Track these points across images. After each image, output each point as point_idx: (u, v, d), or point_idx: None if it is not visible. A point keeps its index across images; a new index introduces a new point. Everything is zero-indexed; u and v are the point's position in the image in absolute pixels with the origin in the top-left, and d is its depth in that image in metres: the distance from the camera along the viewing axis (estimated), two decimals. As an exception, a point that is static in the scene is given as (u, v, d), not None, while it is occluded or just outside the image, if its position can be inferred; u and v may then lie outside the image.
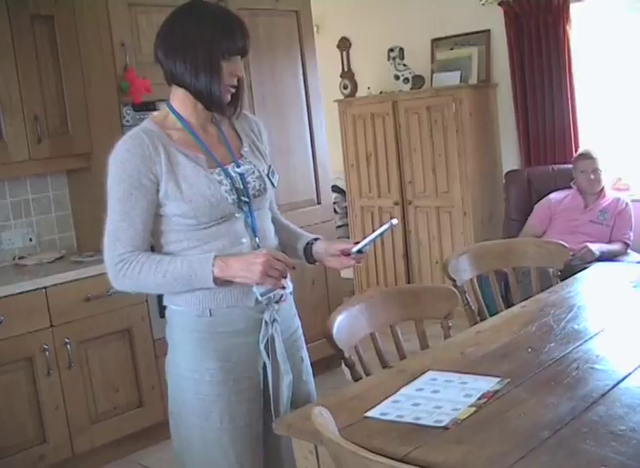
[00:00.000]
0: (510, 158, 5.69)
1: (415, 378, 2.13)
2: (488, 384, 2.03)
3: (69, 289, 3.62)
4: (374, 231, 2.20)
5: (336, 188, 6.34)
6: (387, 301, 2.63)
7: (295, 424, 1.95)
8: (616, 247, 4.63)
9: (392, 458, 1.54)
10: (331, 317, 2.40)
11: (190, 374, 2.15)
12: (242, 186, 2.16)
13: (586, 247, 4.43)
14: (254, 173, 2.21)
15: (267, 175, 2.25)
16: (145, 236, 2.10)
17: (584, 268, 3.39)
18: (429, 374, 2.15)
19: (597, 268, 3.38)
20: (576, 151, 5.14)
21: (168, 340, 2.23)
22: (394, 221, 2.18)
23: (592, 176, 4.76)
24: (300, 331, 2.36)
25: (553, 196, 4.96)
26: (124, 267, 2.06)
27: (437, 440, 1.75)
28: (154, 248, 2.17)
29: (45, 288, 3.54)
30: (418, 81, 5.76)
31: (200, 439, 2.16)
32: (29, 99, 3.79)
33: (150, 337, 3.90)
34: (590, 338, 2.35)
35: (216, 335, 2.13)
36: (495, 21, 5.50)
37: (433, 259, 5.79)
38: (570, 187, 4.93)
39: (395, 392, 2.04)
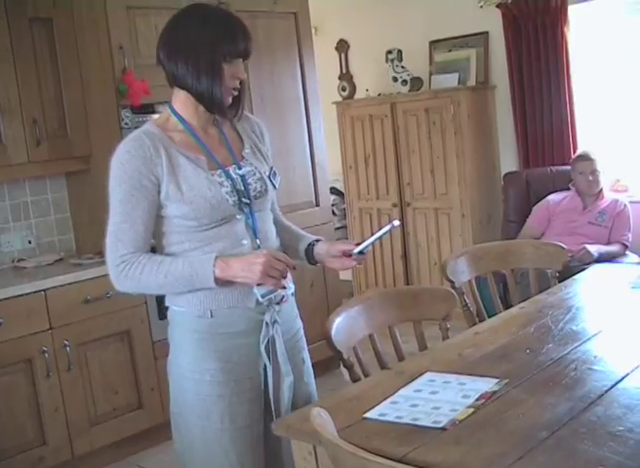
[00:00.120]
0: (509, 160, 5.70)
1: (413, 379, 2.14)
2: (486, 385, 2.03)
3: (68, 291, 3.62)
4: (373, 234, 2.20)
5: (334, 190, 6.34)
6: (386, 303, 2.64)
7: (294, 425, 1.95)
8: (614, 248, 4.64)
9: (391, 459, 1.54)
10: (329, 318, 2.41)
11: (191, 375, 2.16)
12: (243, 188, 2.17)
13: (585, 248, 4.44)
14: (255, 174, 2.22)
15: (269, 177, 2.26)
16: (147, 237, 2.11)
17: (583, 269, 3.39)
18: (428, 376, 2.16)
19: (595, 269, 3.38)
20: (574, 153, 5.15)
21: (169, 341, 2.24)
22: (396, 223, 2.18)
23: (591, 178, 4.77)
24: (302, 332, 2.37)
25: (552, 197, 4.97)
26: (125, 268, 2.06)
27: (435, 441, 1.75)
28: (156, 249, 2.18)
29: (44, 290, 3.54)
30: (416, 83, 5.77)
31: (201, 439, 2.17)
32: (28, 102, 3.79)
33: (149, 339, 3.90)
34: (588, 339, 2.36)
35: (216, 336, 2.14)
36: (493, 23, 5.50)
37: (432, 261, 5.80)
38: (568, 189, 4.94)
39: (394, 393, 2.05)
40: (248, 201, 2.17)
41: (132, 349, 3.86)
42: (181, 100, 2.17)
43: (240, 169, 2.19)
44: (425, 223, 5.78)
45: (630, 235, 4.73)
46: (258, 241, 2.18)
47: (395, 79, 5.82)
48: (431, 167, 5.64)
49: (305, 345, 2.37)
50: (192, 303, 2.13)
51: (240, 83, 2.17)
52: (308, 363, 2.37)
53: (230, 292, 2.12)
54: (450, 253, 5.29)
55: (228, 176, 2.16)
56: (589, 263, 4.01)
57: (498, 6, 5.40)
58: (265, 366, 2.19)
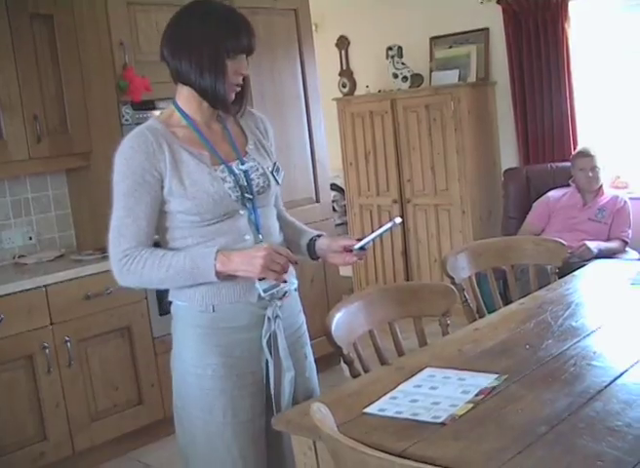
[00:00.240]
0: (509, 156, 5.70)
1: (413, 375, 2.14)
2: (485, 381, 2.04)
3: (69, 287, 3.63)
4: (374, 230, 2.21)
5: (334, 186, 6.34)
6: (386, 299, 2.64)
7: (293, 420, 1.96)
8: (614, 244, 4.64)
9: (390, 454, 1.54)
10: (329, 314, 2.41)
11: (194, 369, 2.17)
12: (246, 183, 2.18)
13: (584, 245, 4.44)
14: (258, 170, 2.23)
15: (272, 173, 2.27)
16: (149, 232, 2.12)
17: (583, 266, 3.40)
18: (427, 371, 2.16)
19: (595, 266, 3.38)
20: (574, 149, 5.15)
21: (172, 335, 2.26)
22: (397, 220, 2.19)
23: (591, 174, 4.77)
24: (305, 327, 2.38)
25: (552, 194, 4.97)
26: (128, 262, 2.08)
27: (435, 436, 1.76)
28: (160, 244, 2.19)
29: (45, 286, 3.55)
30: (416, 79, 5.77)
31: (203, 432, 2.18)
32: (29, 99, 3.79)
33: (150, 335, 3.91)
34: (588, 335, 2.37)
35: (219, 331, 2.15)
36: (493, 20, 5.51)
37: (432, 257, 5.80)
38: (568, 185, 4.94)
39: (393, 388, 2.06)
40: (251, 196, 2.18)
41: (132, 345, 3.86)
42: (185, 96, 2.18)
43: (243, 164, 2.20)
44: (426, 220, 5.78)
45: (630, 231, 4.73)
46: (260, 236, 2.18)
47: (395, 75, 5.82)
48: (432, 163, 5.64)
49: (308, 341, 2.38)
50: (195, 298, 2.14)
51: (243, 79, 2.18)
52: (311, 358, 2.38)
53: (232, 286, 2.13)
54: (450, 249, 5.29)
55: (231, 172, 2.16)
56: (589, 260, 4.01)
57: (498, 2, 5.40)
58: (267, 360, 2.20)
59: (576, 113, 5.27)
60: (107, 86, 3.87)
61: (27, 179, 4.14)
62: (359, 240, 2.22)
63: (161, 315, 3.88)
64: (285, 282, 2.15)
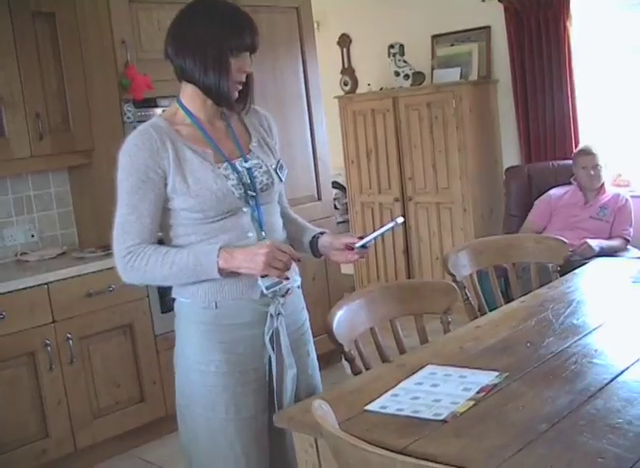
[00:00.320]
0: (510, 154, 5.70)
1: (414, 372, 2.15)
2: (487, 378, 2.05)
3: (71, 284, 3.63)
4: (377, 229, 2.21)
5: (336, 184, 6.35)
6: (387, 296, 2.64)
7: (295, 417, 1.97)
8: (615, 243, 4.64)
9: (391, 451, 1.55)
10: (331, 312, 2.41)
11: (197, 366, 2.18)
12: (249, 181, 2.19)
13: (586, 243, 4.44)
14: (261, 167, 2.23)
15: (275, 170, 2.27)
16: (153, 229, 2.13)
17: (584, 264, 3.40)
18: (429, 368, 2.17)
19: (596, 263, 3.38)
20: (576, 147, 5.15)
21: (176, 332, 2.26)
22: (399, 220, 2.19)
23: (592, 172, 4.77)
24: (308, 324, 2.38)
25: (553, 192, 4.97)
26: (132, 259, 2.09)
27: (436, 433, 1.76)
28: (164, 241, 2.20)
29: (47, 283, 3.55)
30: (418, 77, 5.77)
31: (206, 429, 2.19)
32: (31, 97, 3.80)
33: (152, 333, 3.91)
34: (589, 333, 2.37)
35: (222, 328, 2.16)
36: (495, 18, 5.50)
37: (434, 255, 5.81)
38: (570, 183, 4.94)
39: (395, 386, 2.06)
40: (254, 194, 2.19)
41: (134, 343, 3.87)
42: (189, 94, 2.19)
43: (246, 162, 2.21)
44: (427, 218, 5.79)
45: (632, 230, 4.73)
46: (263, 233, 2.19)
47: (397, 73, 5.82)
48: (433, 161, 5.64)
49: (311, 338, 2.39)
50: (197, 295, 2.15)
51: (247, 76, 2.18)
52: (313, 355, 2.38)
53: (235, 283, 2.14)
54: (452, 247, 5.29)
55: (234, 169, 2.17)
56: (590, 258, 4.01)
57: (500, 0, 5.39)
58: (270, 357, 2.20)
59: (577, 111, 5.26)
60: (109, 84, 3.88)
61: (29, 177, 4.15)
62: (361, 238, 2.22)
63: (163, 313, 3.88)
64: (287, 279, 2.15)
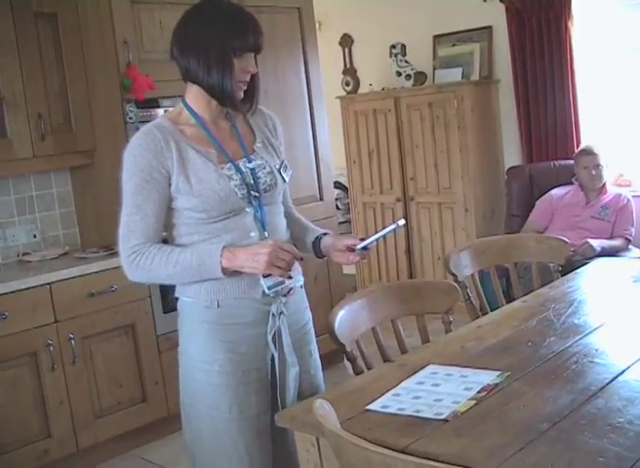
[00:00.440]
0: (512, 154, 5.70)
1: (415, 372, 2.15)
2: (488, 378, 2.05)
3: (73, 284, 3.64)
4: (377, 231, 2.22)
5: (338, 184, 6.35)
6: (389, 296, 2.64)
7: (297, 417, 1.97)
8: (617, 243, 4.64)
9: (393, 450, 1.55)
10: (333, 312, 2.42)
11: (201, 365, 2.19)
12: (252, 181, 2.20)
13: (587, 242, 4.44)
14: (265, 168, 2.24)
15: (279, 171, 2.28)
16: (158, 228, 2.15)
17: (585, 264, 3.40)
18: (430, 368, 2.17)
19: (598, 263, 3.39)
20: (577, 147, 5.15)
21: (179, 332, 2.27)
22: (401, 222, 2.20)
23: (594, 172, 4.77)
24: (311, 324, 2.39)
25: (555, 192, 4.97)
26: (136, 258, 2.11)
27: (437, 432, 1.77)
28: (168, 240, 2.22)
29: (49, 284, 3.56)
30: (419, 77, 5.78)
31: (211, 429, 2.20)
32: (33, 97, 3.81)
33: (154, 333, 3.92)
34: (590, 333, 2.37)
35: (225, 327, 2.17)
36: (496, 18, 5.51)
37: (435, 255, 5.81)
38: (571, 183, 4.94)
39: (396, 385, 2.06)
40: (257, 194, 2.20)
41: (136, 343, 3.87)
42: (194, 95, 2.21)
43: (250, 162, 2.22)
44: (429, 218, 5.79)
45: (633, 229, 4.73)
46: (266, 233, 2.20)
47: (399, 73, 5.83)
48: (435, 161, 5.65)
49: (314, 338, 2.39)
50: (200, 294, 2.17)
51: (253, 77, 2.20)
52: (316, 355, 2.39)
53: (236, 282, 2.15)
54: (453, 247, 5.29)
55: (238, 170, 2.18)
56: (592, 258, 4.01)
57: (501, 0, 5.40)
58: (273, 357, 2.21)
59: (579, 111, 5.27)
60: (111, 84, 3.88)
61: (32, 177, 4.15)
62: (362, 239, 2.23)
63: (165, 313, 3.89)
64: (290, 278, 2.16)
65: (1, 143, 3.71)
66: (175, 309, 2.30)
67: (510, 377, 2.05)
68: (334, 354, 3.28)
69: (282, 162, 2.32)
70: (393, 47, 5.84)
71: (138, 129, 2.19)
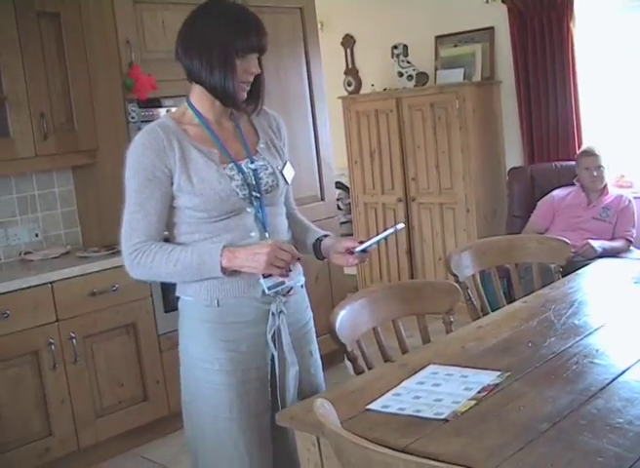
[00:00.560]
0: (514, 155, 5.71)
1: (416, 372, 2.16)
2: (488, 378, 2.05)
3: (75, 284, 3.65)
4: (378, 234, 2.23)
5: (339, 185, 6.35)
6: (390, 296, 2.65)
7: (297, 416, 1.98)
8: (618, 244, 4.64)
9: (393, 450, 1.55)
10: (334, 312, 2.42)
11: (202, 363, 2.20)
12: (254, 182, 2.20)
13: (588, 243, 4.44)
14: (267, 169, 2.25)
15: (281, 172, 2.29)
16: (160, 227, 2.16)
17: (586, 265, 3.40)
18: (430, 368, 2.18)
19: (599, 264, 3.39)
20: (579, 148, 5.16)
21: (180, 331, 2.28)
22: (399, 226, 2.21)
23: (595, 173, 4.77)
24: (312, 324, 2.39)
25: (556, 193, 4.97)
26: (138, 256, 2.12)
27: (437, 432, 1.77)
28: (169, 239, 2.23)
29: (51, 283, 3.56)
30: (421, 78, 5.78)
31: (212, 427, 2.21)
32: (35, 96, 3.81)
33: (155, 332, 3.92)
34: (590, 333, 2.38)
35: (225, 326, 2.18)
36: (498, 19, 5.51)
37: (436, 256, 5.81)
38: (573, 184, 4.94)
39: (397, 385, 2.07)
40: (258, 195, 2.20)
41: (137, 342, 3.88)
42: (198, 95, 2.22)
43: (253, 163, 2.23)
44: (430, 218, 5.79)
45: (634, 231, 4.73)
46: (266, 234, 2.21)
47: (401, 74, 5.83)
48: (436, 162, 5.65)
49: (315, 338, 2.40)
50: (200, 293, 2.18)
51: (258, 77, 2.22)
52: (317, 355, 2.39)
53: (236, 281, 2.16)
54: (454, 247, 5.29)
55: (240, 170, 2.19)
56: (593, 258, 4.01)
57: (503, 1, 5.40)
58: (273, 356, 2.22)
59: (580, 112, 5.27)
60: (113, 84, 3.89)
61: (34, 176, 4.16)
62: (362, 242, 2.24)
63: (166, 312, 3.89)
64: (288, 274, 2.16)
65: (3, 142, 3.72)
66: (176, 308, 2.31)
67: (510, 378, 2.05)
68: (334, 354, 3.29)
69: (285, 163, 2.33)
70: (395, 47, 5.85)
71: (140, 128, 2.19)
